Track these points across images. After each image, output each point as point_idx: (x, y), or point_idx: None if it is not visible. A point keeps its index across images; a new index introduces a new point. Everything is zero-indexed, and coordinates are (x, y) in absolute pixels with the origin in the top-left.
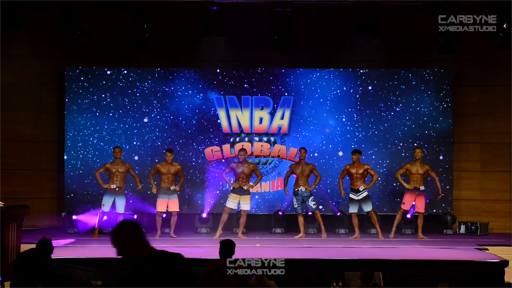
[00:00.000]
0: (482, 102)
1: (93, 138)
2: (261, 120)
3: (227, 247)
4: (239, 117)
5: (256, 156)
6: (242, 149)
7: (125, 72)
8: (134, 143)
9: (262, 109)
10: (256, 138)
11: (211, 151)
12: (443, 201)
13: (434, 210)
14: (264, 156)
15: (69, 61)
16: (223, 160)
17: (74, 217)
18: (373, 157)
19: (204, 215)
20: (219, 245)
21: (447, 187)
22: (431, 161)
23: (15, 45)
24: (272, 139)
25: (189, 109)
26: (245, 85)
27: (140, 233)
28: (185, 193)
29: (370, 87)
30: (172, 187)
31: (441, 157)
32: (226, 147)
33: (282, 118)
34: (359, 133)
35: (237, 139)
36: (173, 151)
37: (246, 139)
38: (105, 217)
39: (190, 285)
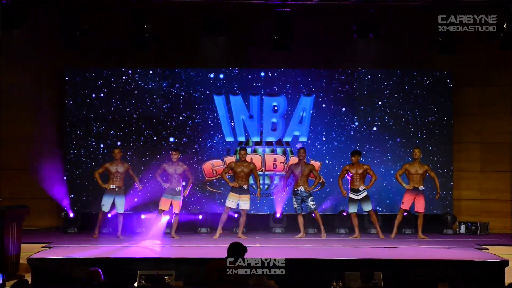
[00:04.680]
0: (482, 102)
1: (92, 138)
2: (273, 124)
3: (236, 251)
4: (245, 121)
5: (268, 171)
6: (243, 148)
7: (125, 72)
8: (134, 143)
9: (275, 111)
10: (268, 149)
11: (211, 166)
12: (443, 201)
13: (433, 208)
14: (278, 172)
15: (69, 61)
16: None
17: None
18: (375, 156)
19: (200, 217)
20: (228, 247)
21: (445, 185)
22: (431, 161)
23: (15, 45)
24: (287, 149)
25: (189, 110)
26: (252, 84)
27: None
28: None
29: (369, 87)
30: (178, 188)
31: (441, 157)
32: (230, 160)
33: (300, 122)
34: (359, 133)
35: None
36: (179, 150)
37: (254, 149)
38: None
39: None
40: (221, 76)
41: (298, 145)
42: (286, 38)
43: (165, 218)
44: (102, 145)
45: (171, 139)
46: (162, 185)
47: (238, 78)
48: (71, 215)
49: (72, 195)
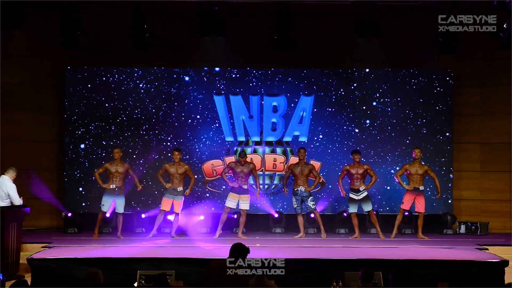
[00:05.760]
0: (482, 102)
1: (92, 138)
2: (273, 124)
3: (239, 252)
4: (245, 121)
5: (268, 171)
6: (243, 152)
7: (125, 72)
8: (133, 143)
9: (275, 111)
10: (267, 149)
11: (211, 166)
12: (442, 201)
13: (432, 209)
14: (278, 172)
15: (69, 61)
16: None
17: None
18: (375, 156)
19: (201, 217)
20: (230, 247)
21: (445, 185)
22: (431, 161)
23: (15, 45)
24: (288, 149)
25: (189, 110)
26: (253, 84)
27: None
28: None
29: (369, 87)
30: (180, 188)
31: (441, 157)
32: (230, 160)
33: (300, 122)
34: (359, 133)
35: (241, 149)
36: (181, 151)
37: (254, 149)
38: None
39: None
40: (217, 69)
41: (287, 143)
42: (286, 38)
43: (169, 218)
44: (101, 145)
45: (170, 139)
46: (164, 185)
47: (238, 78)
48: (70, 215)
49: (72, 195)
